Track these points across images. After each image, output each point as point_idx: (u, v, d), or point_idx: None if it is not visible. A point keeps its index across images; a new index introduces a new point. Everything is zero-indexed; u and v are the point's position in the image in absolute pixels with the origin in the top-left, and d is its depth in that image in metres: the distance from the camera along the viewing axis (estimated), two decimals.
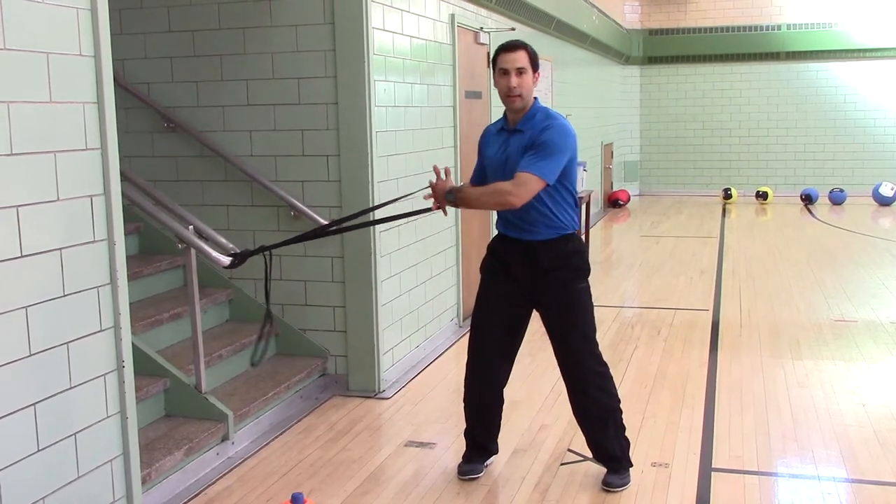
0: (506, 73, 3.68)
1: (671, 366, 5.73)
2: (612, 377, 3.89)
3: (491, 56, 3.82)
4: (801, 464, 4.17)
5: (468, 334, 3.99)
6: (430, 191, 3.81)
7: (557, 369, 5.53)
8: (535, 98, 3.78)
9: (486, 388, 3.96)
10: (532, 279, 3.78)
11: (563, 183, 3.71)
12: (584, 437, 3.97)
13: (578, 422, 3.95)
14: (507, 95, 3.70)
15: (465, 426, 4.07)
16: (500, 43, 3.82)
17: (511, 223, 3.79)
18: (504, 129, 3.82)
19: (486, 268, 3.95)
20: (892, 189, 14.86)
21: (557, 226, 3.73)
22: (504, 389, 4.02)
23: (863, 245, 10.80)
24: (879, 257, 9.86)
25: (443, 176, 3.76)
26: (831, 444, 4.36)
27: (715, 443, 4.40)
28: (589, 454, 4.18)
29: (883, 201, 14.89)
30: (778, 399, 5.04)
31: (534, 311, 3.91)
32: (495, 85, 3.79)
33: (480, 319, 3.92)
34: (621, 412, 3.90)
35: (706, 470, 4.08)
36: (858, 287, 8.23)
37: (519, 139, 3.71)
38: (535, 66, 3.73)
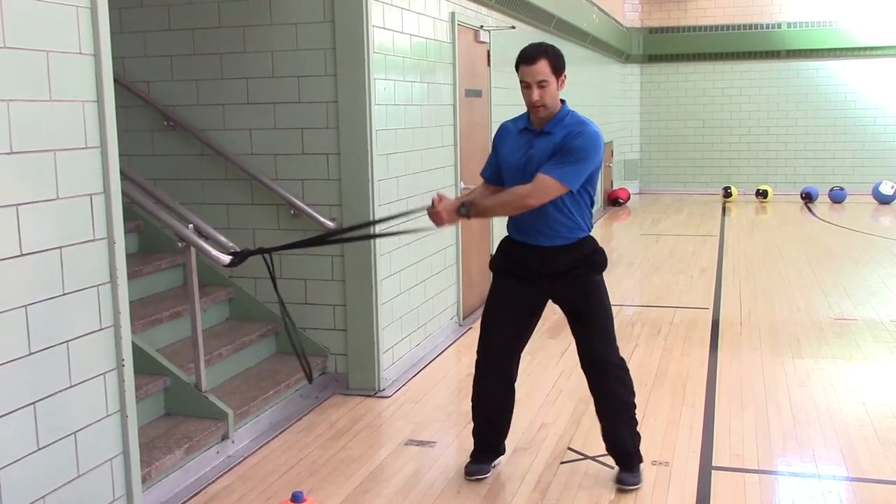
0: (528, 86, 3.61)
1: (671, 364, 5.72)
2: (629, 371, 3.88)
3: (514, 62, 3.72)
4: (801, 462, 4.17)
5: (478, 333, 3.94)
6: (429, 210, 3.71)
7: (558, 367, 5.57)
8: (564, 101, 3.71)
9: (496, 386, 3.93)
10: (550, 280, 3.76)
11: (587, 188, 3.68)
12: (600, 432, 3.95)
13: (598, 414, 3.92)
14: (532, 107, 3.65)
15: (471, 425, 4.05)
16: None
17: (530, 228, 3.73)
18: (528, 130, 3.75)
19: (496, 268, 3.92)
20: (893, 187, 14.84)
21: (576, 230, 3.71)
22: (515, 385, 3.99)
23: (863, 243, 10.79)
24: (879, 256, 9.86)
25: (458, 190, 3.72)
26: (832, 442, 4.36)
27: (715, 441, 4.40)
28: (589, 452, 4.19)
29: (883, 200, 14.88)
30: (778, 398, 5.04)
31: (545, 307, 3.90)
32: (521, 89, 3.70)
33: (490, 318, 3.88)
34: (635, 406, 3.89)
35: (706, 468, 4.07)
36: (858, 285, 8.23)
37: (546, 141, 3.65)
38: (558, 71, 3.62)
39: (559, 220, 3.67)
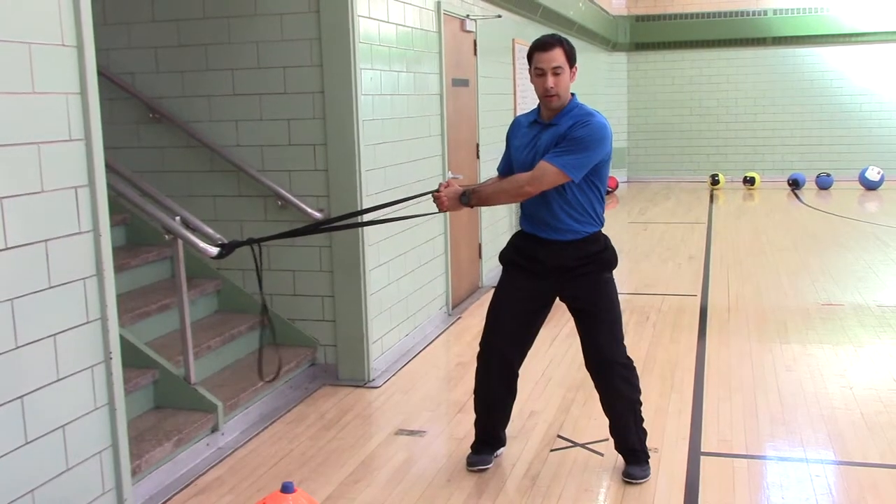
0: (542, 73, 3.59)
1: (660, 351, 5.75)
2: (636, 369, 3.87)
3: (526, 53, 3.73)
4: (789, 447, 4.19)
5: (483, 327, 3.90)
6: (434, 194, 3.73)
7: (547, 355, 5.58)
8: (573, 94, 3.71)
9: (498, 381, 3.91)
10: (558, 275, 3.72)
11: (594, 182, 3.65)
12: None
13: (604, 411, 3.91)
14: (545, 96, 3.62)
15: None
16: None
17: (539, 220, 3.70)
18: (537, 122, 3.74)
19: (505, 261, 3.88)
20: (879, 173, 14.92)
21: (585, 224, 3.67)
22: (517, 382, 3.97)
23: (849, 229, 10.85)
24: (866, 241, 9.91)
25: (444, 180, 3.71)
26: (819, 426, 4.39)
27: (704, 427, 4.42)
28: (578, 439, 4.21)
29: (869, 185, 14.95)
30: (766, 383, 5.06)
31: (554, 304, 3.87)
32: (531, 82, 3.69)
33: (496, 312, 3.85)
34: (641, 404, 3.88)
35: (695, 454, 4.10)
36: (845, 271, 8.27)
37: (553, 132, 3.63)
38: (571, 62, 3.63)
39: (567, 212, 3.64)
